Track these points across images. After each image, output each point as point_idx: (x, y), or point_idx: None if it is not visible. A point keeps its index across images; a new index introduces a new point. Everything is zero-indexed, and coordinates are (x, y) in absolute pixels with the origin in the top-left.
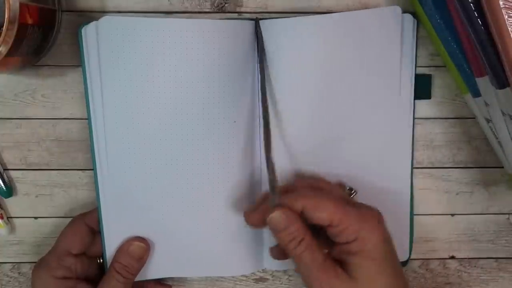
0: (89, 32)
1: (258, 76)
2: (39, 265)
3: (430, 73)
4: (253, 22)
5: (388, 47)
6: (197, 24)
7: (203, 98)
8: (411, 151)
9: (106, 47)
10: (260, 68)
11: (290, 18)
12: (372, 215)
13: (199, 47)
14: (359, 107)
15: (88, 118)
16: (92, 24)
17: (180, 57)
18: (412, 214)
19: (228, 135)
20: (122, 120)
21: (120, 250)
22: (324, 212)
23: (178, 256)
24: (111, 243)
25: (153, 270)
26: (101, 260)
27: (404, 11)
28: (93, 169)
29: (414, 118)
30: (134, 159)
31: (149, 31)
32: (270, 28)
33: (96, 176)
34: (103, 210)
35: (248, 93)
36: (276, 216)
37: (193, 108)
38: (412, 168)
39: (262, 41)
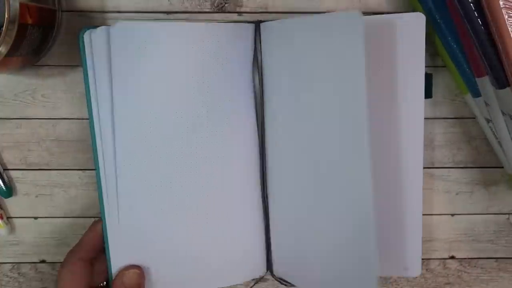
0: (96, 37)
1: (257, 82)
2: None
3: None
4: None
5: (405, 50)
6: (216, 28)
7: (211, 104)
8: (423, 151)
9: (120, 53)
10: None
11: (293, 19)
12: None
13: (216, 52)
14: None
15: (90, 121)
16: (102, 30)
17: (192, 61)
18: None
19: (231, 143)
20: (131, 125)
21: (115, 284)
22: None
23: (183, 270)
24: (117, 263)
25: None
26: (105, 283)
27: (405, 11)
28: (97, 181)
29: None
30: (143, 166)
31: (162, 36)
32: (274, 30)
33: (101, 189)
34: (108, 227)
35: (251, 96)
36: None
37: (201, 115)
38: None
39: (260, 47)
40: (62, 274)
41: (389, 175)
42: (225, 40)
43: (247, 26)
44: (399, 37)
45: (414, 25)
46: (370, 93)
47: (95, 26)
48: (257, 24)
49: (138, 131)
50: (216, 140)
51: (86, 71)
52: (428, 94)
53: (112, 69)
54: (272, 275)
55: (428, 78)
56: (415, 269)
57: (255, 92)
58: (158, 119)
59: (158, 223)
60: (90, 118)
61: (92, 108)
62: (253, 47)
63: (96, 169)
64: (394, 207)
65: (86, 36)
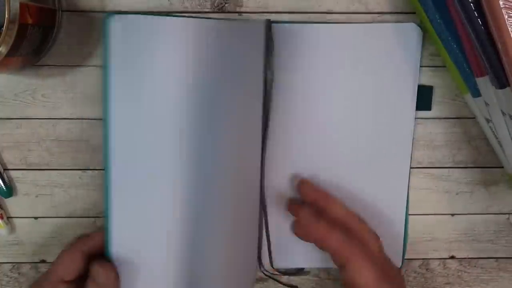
0: (117, 26)
1: (265, 80)
2: None
3: (431, 79)
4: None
5: (403, 60)
6: (219, 24)
7: (220, 101)
8: (410, 155)
9: (132, 45)
10: (266, 72)
11: (301, 24)
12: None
13: (222, 48)
14: (363, 113)
15: (105, 117)
16: (121, 18)
17: (198, 57)
18: (407, 216)
19: (232, 138)
20: (139, 121)
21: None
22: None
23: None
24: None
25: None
26: None
27: (405, 11)
28: (105, 170)
29: (415, 123)
30: (149, 164)
31: (171, 30)
32: (281, 33)
33: (108, 179)
34: (113, 217)
35: (259, 95)
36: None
37: (210, 111)
38: (410, 169)
39: (273, 44)
40: (61, 256)
41: (375, 173)
42: (236, 38)
43: (257, 25)
44: (394, 46)
45: (410, 35)
46: (360, 95)
47: (121, 12)
48: (268, 23)
49: (141, 127)
50: (222, 139)
51: (107, 61)
52: (427, 106)
53: (125, 59)
54: (272, 267)
55: (428, 91)
56: (397, 262)
57: (264, 92)
58: (161, 113)
59: (156, 216)
60: (104, 116)
61: (107, 102)
62: (264, 47)
63: (105, 169)
64: (380, 204)
65: (112, 22)
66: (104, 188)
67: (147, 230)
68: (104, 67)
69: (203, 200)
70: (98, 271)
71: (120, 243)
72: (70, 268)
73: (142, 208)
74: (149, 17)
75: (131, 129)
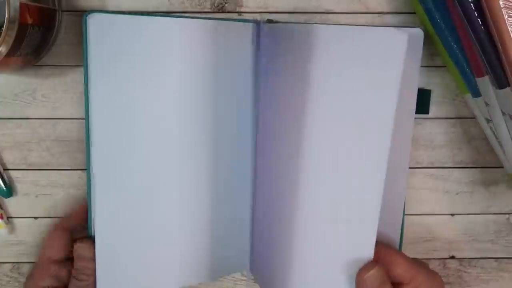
0: (94, 24)
1: (254, 85)
2: (27, 278)
3: (431, 79)
4: (254, 24)
5: (407, 65)
6: (205, 24)
7: (202, 104)
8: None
9: (110, 44)
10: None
11: (295, 23)
12: (440, 279)
13: (204, 49)
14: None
15: (86, 116)
16: (99, 17)
17: (180, 58)
18: (403, 216)
19: (221, 141)
20: (120, 121)
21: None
22: (399, 269)
23: (161, 264)
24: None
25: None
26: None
27: (405, 11)
28: (87, 169)
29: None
30: (129, 160)
31: (149, 30)
32: (274, 32)
33: (90, 176)
34: (97, 212)
35: (247, 99)
36: (373, 274)
37: (191, 112)
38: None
39: (259, 47)
40: (45, 239)
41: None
42: (224, 39)
43: (248, 25)
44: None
45: (414, 39)
46: (360, 95)
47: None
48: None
49: (126, 128)
50: (210, 141)
51: (87, 61)
52: (425, 110)
53: (103, 59)
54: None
55: (426, 95)
56: None
57: (255, 96)
58: (145, 121)
59: (141, 218)
60: (86, 115)
61: (88, 101)
62: (256, 48)
63: (87, 169)
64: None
65: (89, 21)
66: (87, 172)
67: (129, 213)
68: (84, 67)
69: (184, 201)
70: (76, 246)
71: (102, 224)
72: (57, 247)
73: (124, 192)
74: (127, 16)
75: (113, 127)
